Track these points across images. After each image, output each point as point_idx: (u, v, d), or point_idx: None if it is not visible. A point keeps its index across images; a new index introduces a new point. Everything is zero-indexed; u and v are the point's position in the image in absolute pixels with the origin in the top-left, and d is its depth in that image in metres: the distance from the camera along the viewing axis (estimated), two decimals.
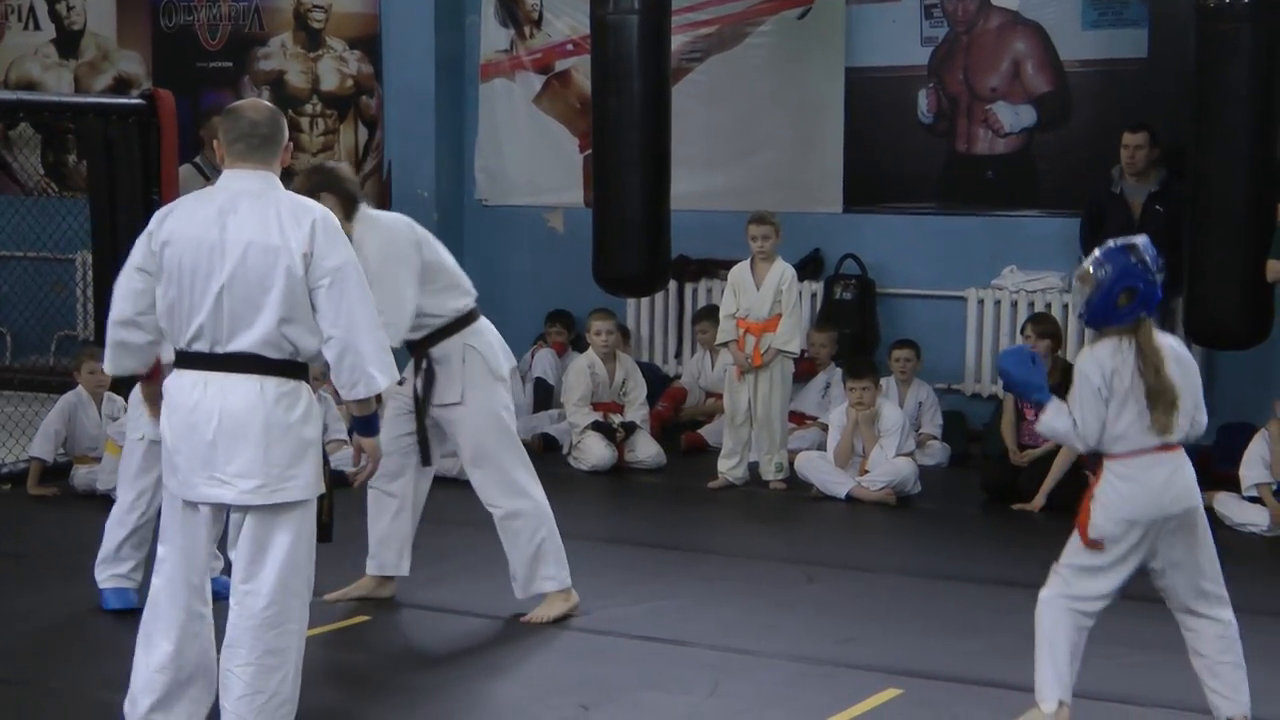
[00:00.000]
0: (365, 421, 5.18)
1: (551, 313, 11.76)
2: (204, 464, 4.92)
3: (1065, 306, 10.59)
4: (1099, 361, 5.17)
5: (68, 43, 14.12)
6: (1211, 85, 8.95)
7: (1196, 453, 9.07)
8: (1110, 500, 5.15)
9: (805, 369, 10.52)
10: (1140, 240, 5.25)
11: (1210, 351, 9.48)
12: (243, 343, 4.91)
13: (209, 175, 10.47)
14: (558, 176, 12.21)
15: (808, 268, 11.30)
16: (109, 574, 6.70)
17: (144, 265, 5.09)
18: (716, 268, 11.40)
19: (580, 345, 11.25)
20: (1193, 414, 5.20)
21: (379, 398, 5.11)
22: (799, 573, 7.64)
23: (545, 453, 10.52)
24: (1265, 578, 7.59)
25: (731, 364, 9.76)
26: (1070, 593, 5.21)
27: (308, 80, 13.11)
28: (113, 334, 5.21)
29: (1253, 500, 8.69)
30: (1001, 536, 8.58)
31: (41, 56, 14.22)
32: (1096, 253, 5.22)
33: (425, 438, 6.77)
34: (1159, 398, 5.09)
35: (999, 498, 9.22)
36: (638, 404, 10.38)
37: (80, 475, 9.00)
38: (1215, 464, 9.00)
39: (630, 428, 10.21)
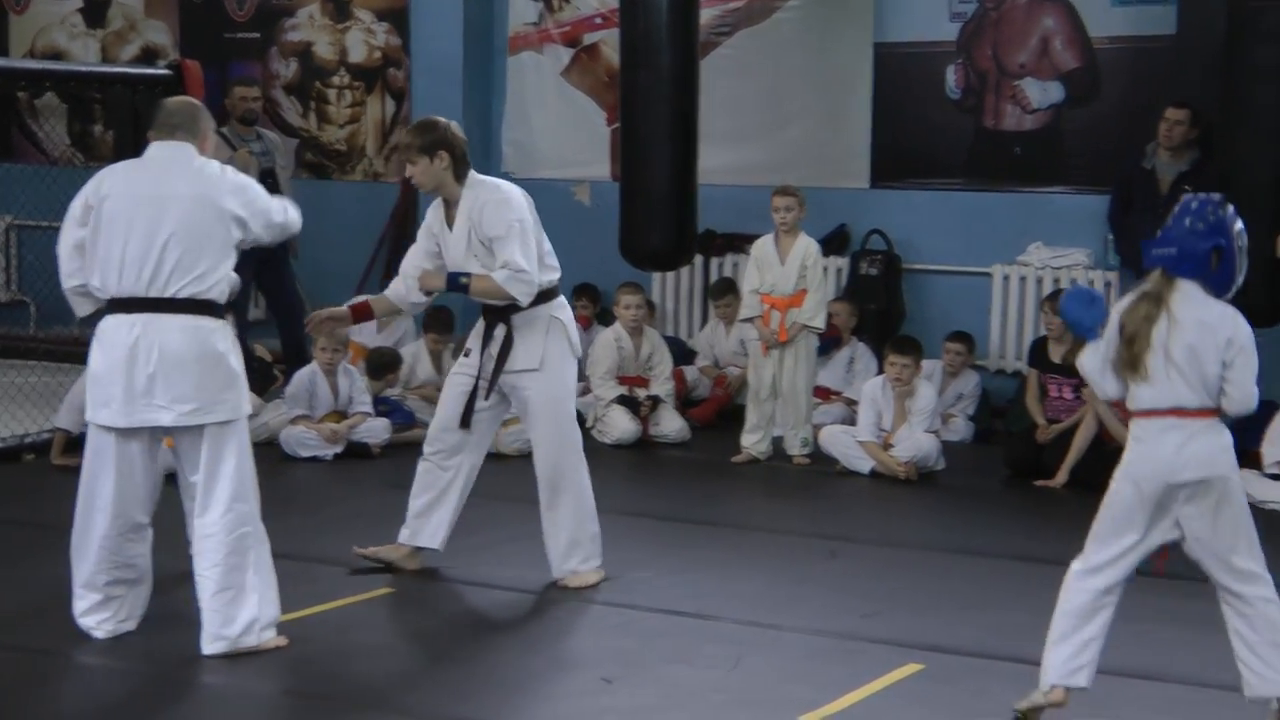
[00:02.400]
0: None
1: (577, 286, 11.75)
2: (144, 393, 5.62)
3: (1090, 283, 10.58)
4: (1119, 308, 5.12)
5: (95, 12, 14.14)
6: (1240, 63, 8.92)
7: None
8: (1125, 459, 5.07)
9: (831, 334, 10.43)
10: (1198, 198, 5.13)
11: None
12: (179, 287, 5.63)
13: (235, 146, 10.52)
14: (585, 150, 12.21)
15: (834, 243, 11.30)
16: None
17: (82, 221, 5.81)
18: (743, 242, 11.39)
19: (605, 319, 11.27)
20: (1216, 384, 4.97)
21: None
22: (822, 547, 7.65)
23: None
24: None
25: (754, 338, 9.76)
26: (1087, 564, 5.12)
27: (335, 52, 13.12)
28: (69, 285, 5.95)
29: (1275, 478, 8.67)
30: (1024, 512, 8.60)
31: (68, 26, 14.24)
32: None
33: (473, 401, 6.77)
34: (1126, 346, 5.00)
35: (1022, 473, 9.23)
36: (663, 378, 10.39)
37: None
38: (1237, 441, 8.95)
39: (655, 401, 10.22)
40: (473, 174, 6.73)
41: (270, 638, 5.84)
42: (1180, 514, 5.02)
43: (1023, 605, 6.61)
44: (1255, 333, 5.40)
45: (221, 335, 5.73)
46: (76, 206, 5.85)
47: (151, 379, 5.62)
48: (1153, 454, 5.01)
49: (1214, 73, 9.25)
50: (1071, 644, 5.08)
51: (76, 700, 5.56)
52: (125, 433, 5.74)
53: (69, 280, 5.93)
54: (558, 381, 6.76)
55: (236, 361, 5.78)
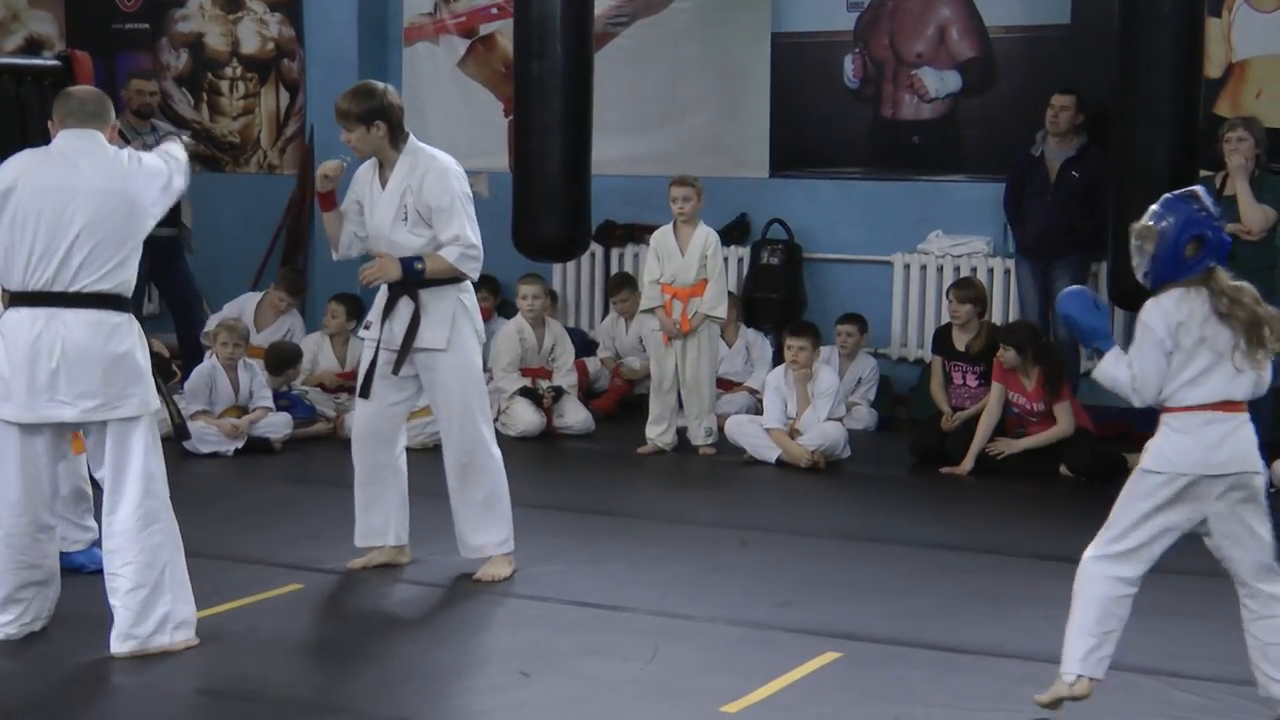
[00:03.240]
0: None
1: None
2: (47, 389, 5.55)
3: (990, 271, 10.67)
4: (1165, 312, 4.88)
5: None
6: (1133, 50, 9.01)
7: (1117, 414, 9.26)
8: (1161, 450, 4.90)
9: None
10: (1199, 188, 5.02)
11: (1131, 315, 9.57)
12: (87, 281, 5.56)
13: (129, 139, 10.33)
14: (482, 141, 12.10)
15: (734, 233, 11.31)
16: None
17: None
18: (643, 233, 11.36)
19: (506, 311, 11.20)
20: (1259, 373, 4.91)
21: None
22: (733, 537, 7.63)
23: None
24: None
25: (655, 330, 9.72)
26: (1106, 550, 4.97)
27: (227, 43, 12.92)
28: None
29: None
30: (931, 499, 8.65)
31: None
32: (1156, 205, 4.95)
33: (372, 372, 6.71)
34: (1255, 328, 4.81)
35: (927, 461, 9.27)
36: (566, 369, 10.34)
37: None
38: (1136, 425, 9.07)
39: (558, 393, 10.17)
40: (412, 140, 6.71)
41: (183, 638, 5.74)
42: (1210, 510, 4.89)
43: (935, 592, 6.68)
44: (1128, 316, 5.38)
45: (127, 330, 5.66)
46: None
47: (54, 374, 5.54)
48: (1194, 446, 4.86)
49: (1108, 61, 9.34)
50: (1094, 635, 4.95)
51: None
52: (28, 429, 5.66)
53: None
54: (466, 364, 6.70)
55: (143, 356, 5.71)
